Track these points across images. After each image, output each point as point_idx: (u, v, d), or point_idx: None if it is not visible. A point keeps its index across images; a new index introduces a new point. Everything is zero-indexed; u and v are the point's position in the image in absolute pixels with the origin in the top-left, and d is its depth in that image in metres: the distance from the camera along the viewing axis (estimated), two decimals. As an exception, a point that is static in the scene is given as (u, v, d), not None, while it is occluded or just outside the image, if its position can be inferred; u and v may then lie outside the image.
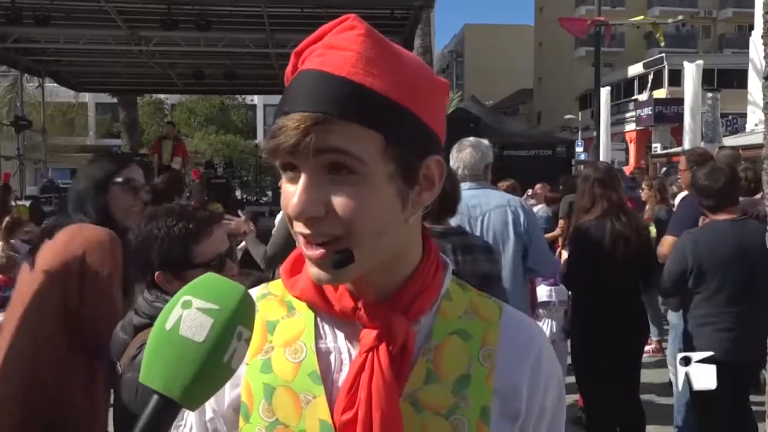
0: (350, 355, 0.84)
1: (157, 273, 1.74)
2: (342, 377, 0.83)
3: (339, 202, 0.75)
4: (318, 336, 0.85)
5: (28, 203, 10.00)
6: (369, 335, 0.81)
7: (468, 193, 3.53)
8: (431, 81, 0.82)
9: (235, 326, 0.67)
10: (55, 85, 17.68)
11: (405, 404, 0.81)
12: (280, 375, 0.83)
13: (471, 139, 3.65)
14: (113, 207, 2.45)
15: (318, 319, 0.86)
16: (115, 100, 22.58)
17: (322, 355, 0.84)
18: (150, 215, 1.81)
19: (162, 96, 34.20)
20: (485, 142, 3.66)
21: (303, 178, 0.76)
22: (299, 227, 0.78)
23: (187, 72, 15.24)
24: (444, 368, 0.84)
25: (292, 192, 0.77)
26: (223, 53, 12.94)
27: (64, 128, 31.58)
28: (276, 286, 0.92)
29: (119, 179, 2.47)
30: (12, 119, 15.30)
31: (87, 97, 34.40)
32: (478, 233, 3.43)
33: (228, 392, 0.85)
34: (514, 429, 0.86)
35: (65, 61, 14.62)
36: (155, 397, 0.65)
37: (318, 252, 0.77)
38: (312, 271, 0.80)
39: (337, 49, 0.77)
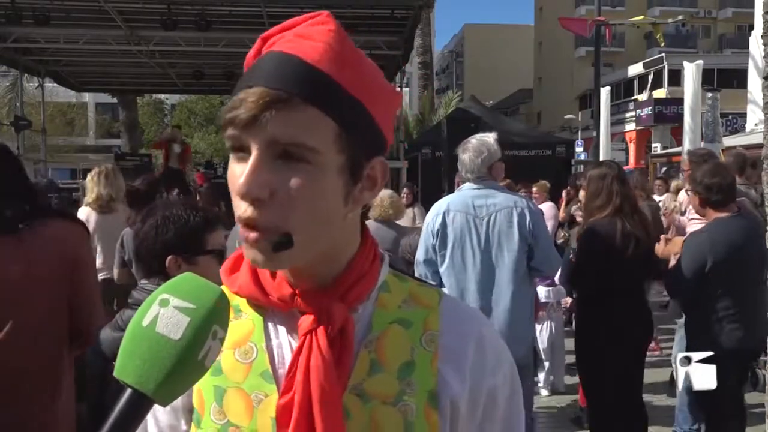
0: (291, 348, 0.84)
1: (170, 257, 1.85)
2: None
3: (286, 187, 0.76)
4: (267, 335, 0.86)
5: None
6: (306, 320, 0.82)
7: (472, 193, 3.50)
8: (386, 87, 0.86)
9: (210, 325, 0.68)
10: (55, 85, 17.70)
11: (351, 396, 0.81)
12: (231, 376, 0.84)
13: (473, 140, 3.58)
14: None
15: (265, 319, 0.87)
16: (115, 100, 22.65)
17: (272, 353, 0.85)
18: (162, 205, 1.95)
19: (162, 96, 34.23)
20: (489, 140, 3.57)
21: (253, 158, 0.76)
22: (242, 210, 0.77)
23: (187, 72, 15.26)
24: (387, 357, 0.84)
25: (240, 172, 0.77)
26: (223, 53, 12.94)
27: (64, 128, 31.62)
28: None
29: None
30: (12, 119, 15.30)
31: (87, 97, 34.47)
32: (483, 234, 3.42)
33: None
34: (458, 412, 0.85)
35: (65, 61, 14.63)
36: (128, 391, 0.66)
37: (254, 235, 0.77)
38: (248, 253, 0.79)
39: (307, 38, 0.80)
